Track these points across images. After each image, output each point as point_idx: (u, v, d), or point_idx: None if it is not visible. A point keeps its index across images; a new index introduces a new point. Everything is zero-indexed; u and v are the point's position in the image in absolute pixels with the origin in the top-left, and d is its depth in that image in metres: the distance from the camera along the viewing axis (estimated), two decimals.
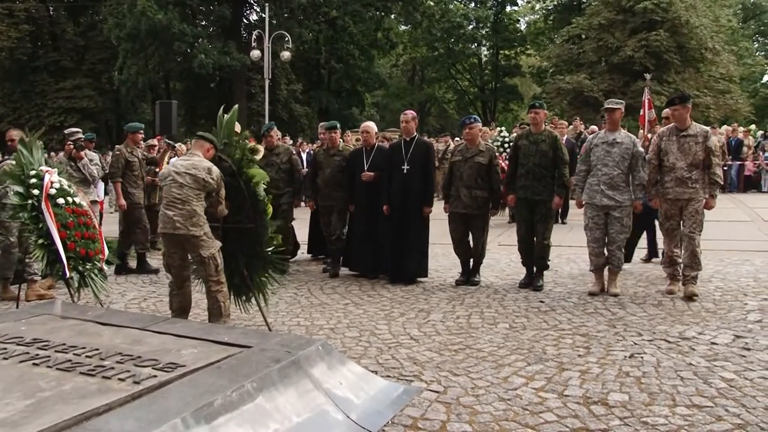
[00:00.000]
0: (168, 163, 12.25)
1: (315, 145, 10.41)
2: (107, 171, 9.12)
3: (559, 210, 10.92)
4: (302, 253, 9.40)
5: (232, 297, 5.78)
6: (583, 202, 6.95)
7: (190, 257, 5.39)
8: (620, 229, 6.75)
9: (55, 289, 7.35)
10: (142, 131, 8.95)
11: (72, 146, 8.19)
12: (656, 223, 7.35)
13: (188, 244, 5.22)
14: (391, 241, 7.49)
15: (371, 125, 8.25)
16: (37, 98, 34.90)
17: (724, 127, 21.54)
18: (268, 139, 8.42)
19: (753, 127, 21.06)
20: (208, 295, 5.37)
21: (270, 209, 5.65)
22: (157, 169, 10.24)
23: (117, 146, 9.26)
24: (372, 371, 4.30)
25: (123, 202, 8.50)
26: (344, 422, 3.43)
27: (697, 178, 6.45)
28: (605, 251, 6.85)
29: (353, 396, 3.70)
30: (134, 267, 8.68)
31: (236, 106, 6.10)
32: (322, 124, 9.39)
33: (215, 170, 5.29)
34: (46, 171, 5.89)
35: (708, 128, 6.83)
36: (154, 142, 11.16)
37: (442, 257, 8.40)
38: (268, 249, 5.63)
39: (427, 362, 4.65)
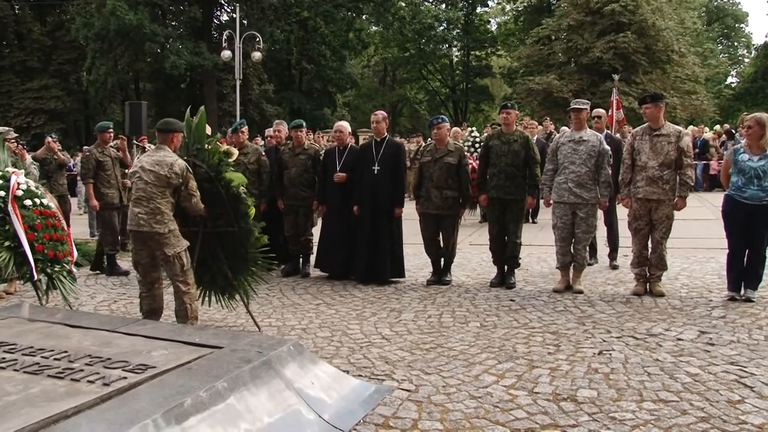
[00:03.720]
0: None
1: (270, 139, 9.84)
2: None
3: (530, 209, 11.02)
4: None
5: (217, 297, 5.78)
6: (552, 201, 7.04)
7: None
8: (586, 229, 6.87)
9: (20, 292, 7.24)
10: (111, 129, 8.83)
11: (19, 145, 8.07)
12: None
13: (152, 241, 5.16)
14: (363, 242, 7.50)
15: (345, 125, 8.17)
16: (3, 99, 34.26)
17: (691, 127, 21.91)
18: (238, 136, 8.35)
19: (717, 127, 21.43)
20: (176, 297, 5.32)
21: (252, 211, 5.64)
22: (127, 170, 10.14)
23: (86, 147, 9.15)
24: (344, 371, 4.31)
25: (95, 202, 8.42)
26: (316, 422, 3.43)
27: (669, 179, 6.49)
28: (572, 249, 6.95)
29: (325, 395, 3.71)
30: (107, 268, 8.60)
31: (202, 108, 6.00)
32: (276, 122, 9.33)
33: (179, 164, 5.15)
34: (13, 172, 5.80)
35: (681, 128, 6.90)
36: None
37: (413, 257, 8.43)
38: (253, 249, 5.63)
39: (399, 361, 4.67)
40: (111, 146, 8.77)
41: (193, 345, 3.88)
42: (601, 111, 8.63)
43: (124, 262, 8.99)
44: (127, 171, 9.76)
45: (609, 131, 8.67)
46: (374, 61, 50.57)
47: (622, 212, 7.46)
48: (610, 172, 6.86)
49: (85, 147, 8.91)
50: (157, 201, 5.09)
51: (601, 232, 8.24)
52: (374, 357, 4.79)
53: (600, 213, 7.88)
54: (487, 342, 5.11)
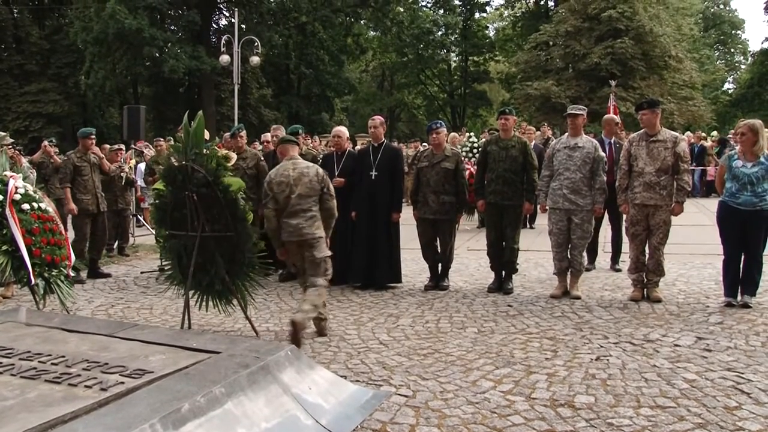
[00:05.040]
0: (134, 166, 12.20)
1: (267, 144, 9.78)
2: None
3: (527, 215, 11.04)
4: None
5: (215, 301, 5.76)
6: (547, 207, 7.05)
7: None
8: (582, 234, 6.88)
9: (17, 296, 7.23)
10: (93, 136, 8.80)
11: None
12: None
13: (306, 244, 5.56)
14: (361, 247, 7.48)
15: (343, 130, 8.16)
16: (1, 102, 34.29)
17: (687, 133, 21.95)
18: (237, 141, 8.32)
19: (714, 133, 21.47)
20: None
21: (250, 216, 5.64)
22: (124, 173, 10.14)
23: (67, 152, 9.16)
24: (341, 376, 4.31)
25: (72, 206, 8.38)
26: (313, 427, 3.43)
27: (666, 184, 6.50)
28: (568, 255, 6.96)
29: (322, 401, 3.70)
30: (108, 272, 8.57)
31: (200, 112, 5.98)
32: (273, 127, 9.30)
33: (317, 169, 5.68)
34: (11, 176, 5.80)
35: (678, 134, 6.93)
36: (121, 146, 11.11)
37: (410, 262, 8.43)
38: (251, 254, 5.62)
39: (396, 367, 4.67)
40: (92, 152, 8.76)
41: (190, 350, 3.87)
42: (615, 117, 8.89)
43: (122, 266, 9.01)
44: (121, 174, 9.79)
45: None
46: (372, 66, 50.62)
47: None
48: (605, 178, 6.88)
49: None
50: (313, 210, 5.53)
51: (600, 237, 8.26)
52: (372, 362, 4.79)
53: (606, 216, 7.97)
54: (484, 347, 5.11)
